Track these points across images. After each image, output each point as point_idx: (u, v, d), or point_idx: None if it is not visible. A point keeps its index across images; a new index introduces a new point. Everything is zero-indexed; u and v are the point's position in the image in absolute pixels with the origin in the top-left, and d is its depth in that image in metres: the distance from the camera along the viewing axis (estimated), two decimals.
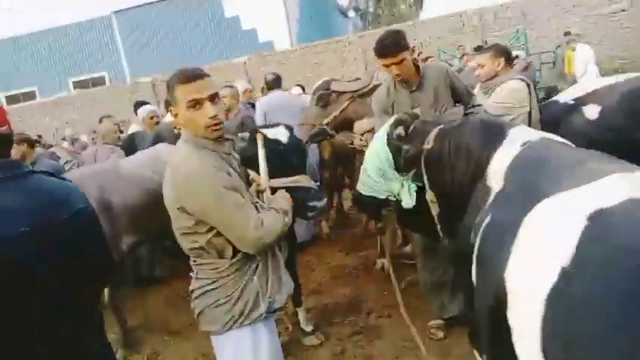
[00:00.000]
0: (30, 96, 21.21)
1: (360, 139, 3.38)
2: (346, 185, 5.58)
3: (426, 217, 1.88)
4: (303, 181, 2.33)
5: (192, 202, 1.67)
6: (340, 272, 4.36)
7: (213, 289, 1.80)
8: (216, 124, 1.70)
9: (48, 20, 20.77)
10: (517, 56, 7.63)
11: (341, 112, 3.55)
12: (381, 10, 32.56)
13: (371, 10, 32.97)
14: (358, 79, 4.25)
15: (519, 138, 1.59)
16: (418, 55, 12.89)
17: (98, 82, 21.00)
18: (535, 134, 1.65)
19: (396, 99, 2.92)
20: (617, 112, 3.01)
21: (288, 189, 2.16)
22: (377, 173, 2.01)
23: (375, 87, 3.39)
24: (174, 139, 4.39)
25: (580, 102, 3.20)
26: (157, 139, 4.65)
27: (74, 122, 16.28)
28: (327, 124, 3.54)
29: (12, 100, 21.32)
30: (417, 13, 30.06)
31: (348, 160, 4.76)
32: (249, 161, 2.20)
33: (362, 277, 4.22)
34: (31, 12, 20.99)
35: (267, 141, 2.34)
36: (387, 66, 2.74)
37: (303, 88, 7.81)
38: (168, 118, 5.17)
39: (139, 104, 6.35)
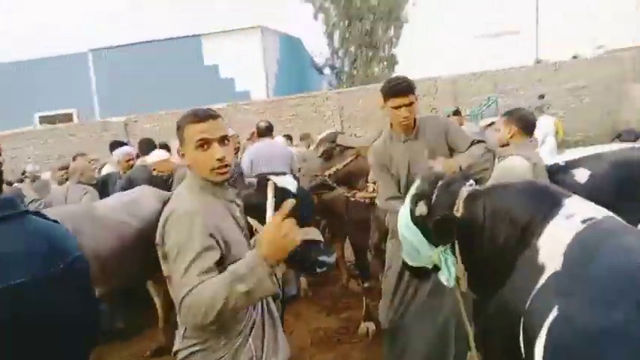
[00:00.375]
0: None
1: (373, 189, 3.32)
2: (326, 240, 5.39)
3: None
4: (311, 234, 2.22)
5: (166, 240, 1.55)
6: (322, 336, 4.07)
7: (201, 349, 1.59)
8: (222, 167, 1.63)
9: (21, 52, 20.38)
10: (492, 123, 7.85)
11: (344, 165, 3.52)
12: (356, 70, 33.71)
13: (346, 69, 34.15)
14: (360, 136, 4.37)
15: (579, 212, 1.42)
16: None
17: (65, 119, 20.47)
18: (595, 210, 1.47)
19: (391, 151, 2.88)
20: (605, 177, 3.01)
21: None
22: (413, 250, 1.86)
23: None
24: (147, 182, 4.16)
25: (571, 165, 3.21)
26: (129, 183, 4.41)
27: (37, 158, 15.61)
28: (329, 175, 3.47)
29: None
30: (390, 75, 31.30)
31: (333, 215, 4.60)
32: (253, 209, 2.07)
33: (345, 341, 3.94)
34: (6, 42, 20.53)
35: (276, 190, 2.24)
36: (397, 108, 2.70)
37: (290, 138, 7.74)
38: (144, 160, 4.93)
39: (115, 144, 6.07)
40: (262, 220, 2.06)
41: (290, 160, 4.79)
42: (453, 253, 1.72)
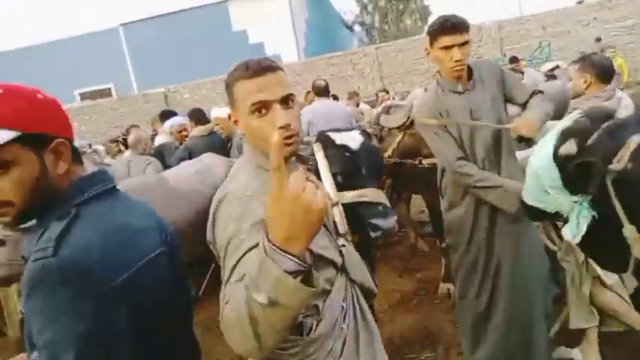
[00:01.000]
0: None
1: None
2: (392, 201, 5.21)
3: (607, 246, 1.47)
4: (370, 194, 2.03)
5: (216, 237, 1.18)
6: (399, 298, 3.94)
7: None
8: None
9: (55, 32, 20.56)
10: (557, 66, 7.29)
11: (398, 143, 3.52)
12: (387, 25, 32.57)
13: (377, 25, 32.98)
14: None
15: None
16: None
17: (104, 94, 20.75)
18: None
19: (446, 104, 2.39)
20: None
21: (351, 205, 1.90)
22: (540, 190, 1.59)
23: None
24: (206, 151, 4.04)
25: None
26: (188, 153, 4.33)
27: (82, 134, 15.93)
28: (390, 156, 3.48)
29: None
30: (424, 28, 30.00)
31: (399, 174, 4.39)
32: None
33: (426, 303, 3.79)
34: (36, 24, 20.76)
35: (331, 147, 2.07)
36: (448, 48, 2.24)
37: (336, 98, 7.47)
38: (199, 129, 4.80)
39: (167, 114, 5.96)
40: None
41: (351, 119, 4.56)
42: (593, 208, 1.46)
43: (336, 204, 1.70)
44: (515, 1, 22.58)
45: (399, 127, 3.49)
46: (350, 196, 2.05)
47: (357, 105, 7.52)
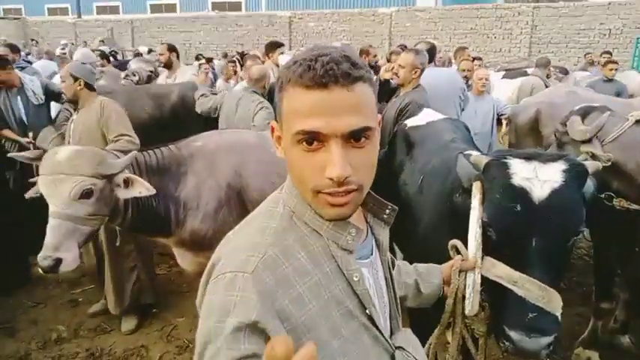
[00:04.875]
0: (171, 8, 21.56)
1: None
2: None
3: None
4: (532, 290, 1.23)
5: (200, 313, 0.81)
6: None
7: None
8: (338, 195, 0.78)
9: None
10: None
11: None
12: None
13: None
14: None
15: None
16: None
17: (235, 7, 20.68)
18: None
19: None
20: None
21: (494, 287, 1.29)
22: None
23: None
24: None
25: None
26: None
27: (205, 44, 16.03)
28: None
29: (155, 9, 21.85)
30: None
31: None
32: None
33: None
34: None
35: (501, 185, 1.31)
36: None
37: (479, 58, 6.08)
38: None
39: (273, 45, 5.17)
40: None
41: (459, 94, 3.51)
42: None
43: (472, 269, 1.31)
44: None
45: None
46: (501, 272, 1.27)
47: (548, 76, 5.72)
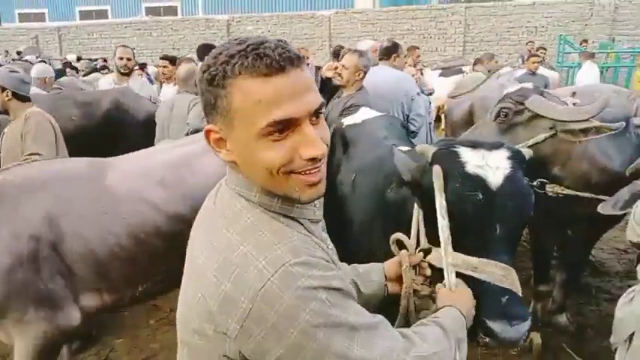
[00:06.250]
0: (102, 14, 20.67)
1: None
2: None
3: None
4: (495, 273, 1.18)
5: (258, 340, 0.71)
6: None
7: None
8: (314, 172, 0.78)
9: None
10: None
11: (532, 145, 2.12)
12: None
13: None
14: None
15: None
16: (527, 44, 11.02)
17: (170, 11, 20.13)
18: None
19: None
20: None
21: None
22: None
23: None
24: None
25: None
26: None
27: (140, 50, 15.46)
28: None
29: (85, 15, 20.88)
30: None
31: None
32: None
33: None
34: None
35: (457, 175, 1.27)
36: None
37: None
38: None
39: (206, 48, 5.00)
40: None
41: (404, 98, 3.48)
42: None
43: (428, 252, 1.27)
44: None
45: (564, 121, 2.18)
46: (458, 261, 1.20)
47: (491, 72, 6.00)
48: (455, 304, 1.07)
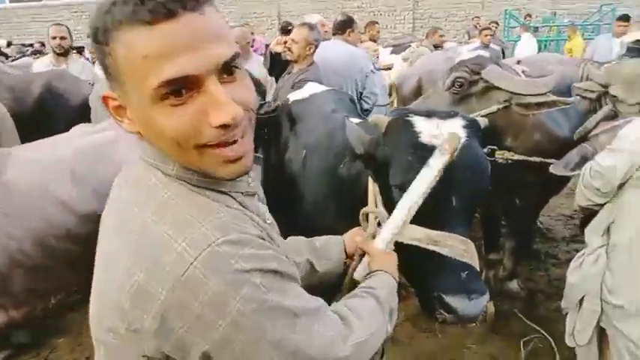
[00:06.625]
0: None
1: None
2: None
3: None
4: (454, 246, 1.14)
5: (179, 334, 0.61)
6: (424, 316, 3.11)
7: None
8: (233, 143, 0.67)
9: None
10: None
11: (487, 115, 2.07)
12: None
13: None
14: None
15: None
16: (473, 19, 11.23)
17: None
18: None
19: None
20: None
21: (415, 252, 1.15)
22: None
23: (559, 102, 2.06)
24: None
25: None
26: None
27: (78, 33, 14.63)
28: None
29: None
30: None
31: None
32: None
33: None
34: None
35: (410, 145, 1.22)
36: None
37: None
38: None
39: None
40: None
41: (358, 75, 3.43)
42: None
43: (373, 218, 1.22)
44: None
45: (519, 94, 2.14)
46: (419, 234, 1.14)
47: (374, 41, 6.00)
48: (387, 268, 1.04)
